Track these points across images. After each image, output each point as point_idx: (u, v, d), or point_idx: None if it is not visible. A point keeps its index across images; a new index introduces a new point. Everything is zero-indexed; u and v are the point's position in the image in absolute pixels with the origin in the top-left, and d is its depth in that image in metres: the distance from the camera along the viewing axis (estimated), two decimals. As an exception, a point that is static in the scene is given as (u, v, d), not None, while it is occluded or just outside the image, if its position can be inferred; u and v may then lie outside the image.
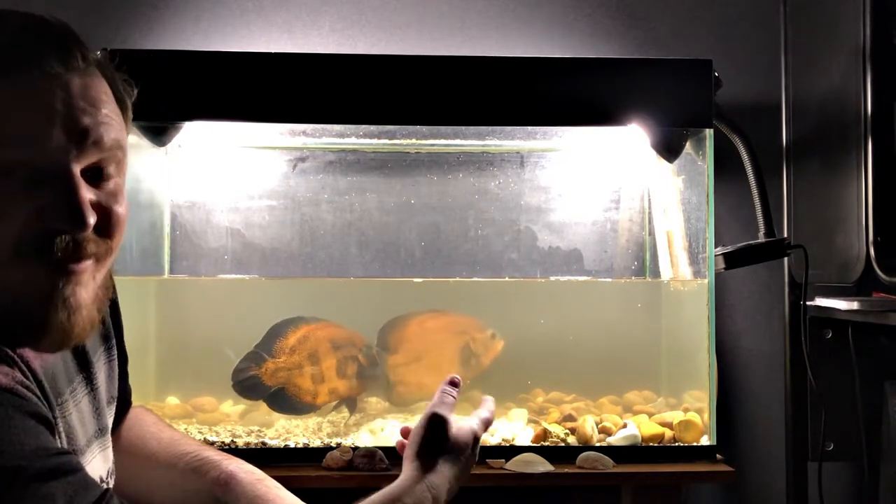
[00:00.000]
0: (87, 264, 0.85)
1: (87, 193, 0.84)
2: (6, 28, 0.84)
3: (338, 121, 1.66)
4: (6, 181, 0.81)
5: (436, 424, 1.12)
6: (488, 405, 1.22)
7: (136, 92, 0.94)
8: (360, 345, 1.77)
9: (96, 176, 0.86)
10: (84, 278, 0.85)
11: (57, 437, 0.87)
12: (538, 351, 1.83)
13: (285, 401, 1.71)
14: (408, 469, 1.09)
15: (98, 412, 1.03)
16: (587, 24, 2.01)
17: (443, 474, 1.09)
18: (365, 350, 1.76)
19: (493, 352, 1.80)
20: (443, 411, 1.14)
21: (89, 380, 1.02)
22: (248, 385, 1.69)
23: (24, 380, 0.83)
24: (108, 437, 1.05)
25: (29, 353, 0.88)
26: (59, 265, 0.83)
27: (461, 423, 1.15)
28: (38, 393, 0.85)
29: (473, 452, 1.16)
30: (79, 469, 0.80)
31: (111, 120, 0.87)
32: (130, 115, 0.93)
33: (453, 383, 1.19)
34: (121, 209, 0.89)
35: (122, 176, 0.90)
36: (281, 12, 2.00)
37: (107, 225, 0.87)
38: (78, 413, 0.98)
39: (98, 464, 1.00)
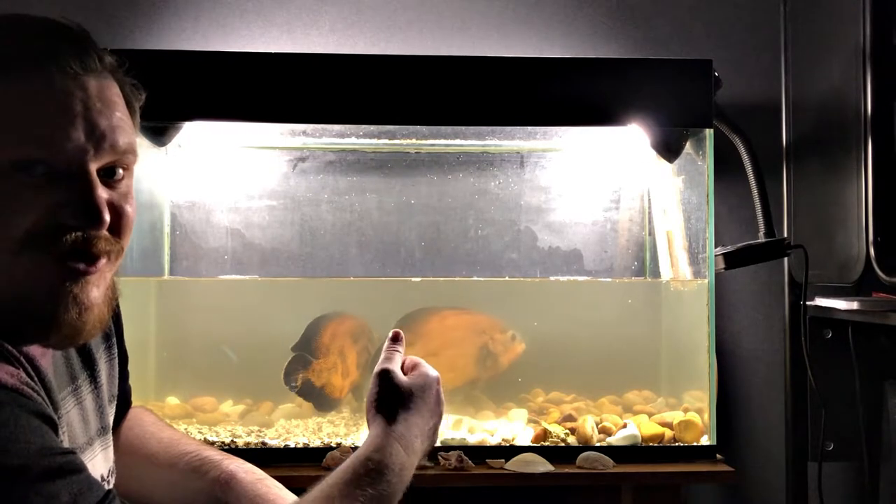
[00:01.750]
0: (101, 263, 0.87)
1: (102, 193, 0.86)
2: (27, 29, 0.86)
3: (338, 121, 1.66)
4: (24, 176, 0.82)
5: (385, 379, 1.10)
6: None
7: (143, 96, 0.95)
8: (369, 335, 1.78)
9: (109, 176, 0.88)
10: (96, 278, 0.87)
11: (60, 435, 0.87)
12: (538, 351, 1.83)
13: (323, 399, 1.74)
14: (371, 429, 1.07)
15: (101, 410, 1.03)
16: (587, 24, 2.01)
17: (406, 421, 1.07)
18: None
19: (513, 354, 1.80)
20: (388, 366, 1.11)
21: (93, 378, 1.03)
22: (303, 390, 1.72)
23: (29, 380, 0.83)
24: (110, 435, 1.06)
25: (34, 352, 0.88)
26: (67, 261, 0.84)
27: (414, 371, 1.13)
28: (42, 392, 0.86)
29: (438, 394, 1.13)
30: (83, 469, 0.81)
31: (124, 123, 0.89)
32: (138, 119, 0.95)
33: (395, 339, 1.16)
34: (131, 210, 0.91)
35: (131, 178, 0.92)
36: (281, 12, 2.00)
37: (119, 224, 0.89)
38: (81, 411, 0.98)
39: (99, 462, 1.01)
